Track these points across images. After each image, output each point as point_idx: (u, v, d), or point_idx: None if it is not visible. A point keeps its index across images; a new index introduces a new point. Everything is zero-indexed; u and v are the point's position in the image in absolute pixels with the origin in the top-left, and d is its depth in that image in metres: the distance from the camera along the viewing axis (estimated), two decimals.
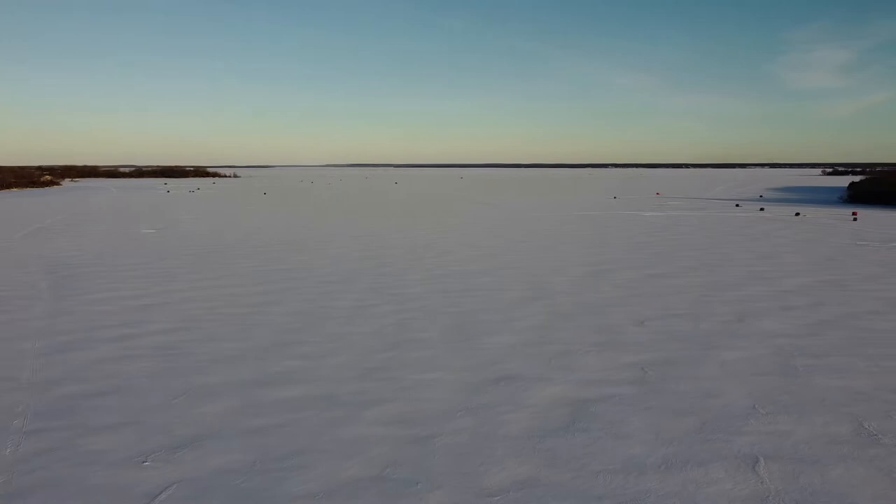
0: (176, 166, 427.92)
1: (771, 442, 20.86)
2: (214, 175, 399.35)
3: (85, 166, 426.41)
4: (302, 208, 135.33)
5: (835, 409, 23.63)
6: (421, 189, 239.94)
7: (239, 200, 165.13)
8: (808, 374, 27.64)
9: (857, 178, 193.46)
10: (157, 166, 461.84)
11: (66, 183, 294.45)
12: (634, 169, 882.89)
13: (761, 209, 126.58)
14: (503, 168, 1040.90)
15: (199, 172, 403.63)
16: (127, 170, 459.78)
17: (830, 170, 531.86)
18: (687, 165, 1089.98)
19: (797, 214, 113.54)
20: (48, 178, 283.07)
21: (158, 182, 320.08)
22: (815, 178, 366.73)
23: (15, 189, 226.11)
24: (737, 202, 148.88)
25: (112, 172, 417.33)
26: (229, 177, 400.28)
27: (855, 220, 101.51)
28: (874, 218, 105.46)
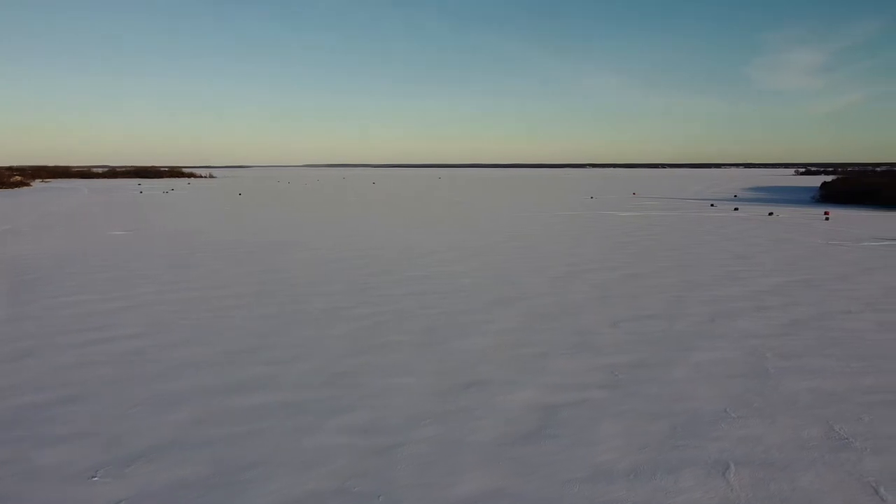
0: (150, 167, 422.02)
1: (742, 447, 20.56)
2: (190, 175, 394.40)
3: (57, 166, 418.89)
4: (277, 209, 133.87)
5: (806, 412, 23.44)
6: (399, 189, 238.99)
7: (213, 201, 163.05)
8: (780, 375, 27.47)
9: (829, 178, 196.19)
10: (132, 166, 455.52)
11: (37, 184, 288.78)
12: (612, 169, 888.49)
13: (735, 209, 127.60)
14: (481, 168, 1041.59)
15: (174, 173, 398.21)
16: (100, 170, 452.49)
17: (803, 170, 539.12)
18: (664, 165, 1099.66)
19: (771, 214, 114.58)
20: (18, 178, 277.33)
21: (132, 182, 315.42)
22: (789, 178, 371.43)
23: None
24: (712, 202, 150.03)
25: (85, 173, 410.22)
26: (205, 177, 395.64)
27: (827, 219, 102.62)
28: (846, 217, 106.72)
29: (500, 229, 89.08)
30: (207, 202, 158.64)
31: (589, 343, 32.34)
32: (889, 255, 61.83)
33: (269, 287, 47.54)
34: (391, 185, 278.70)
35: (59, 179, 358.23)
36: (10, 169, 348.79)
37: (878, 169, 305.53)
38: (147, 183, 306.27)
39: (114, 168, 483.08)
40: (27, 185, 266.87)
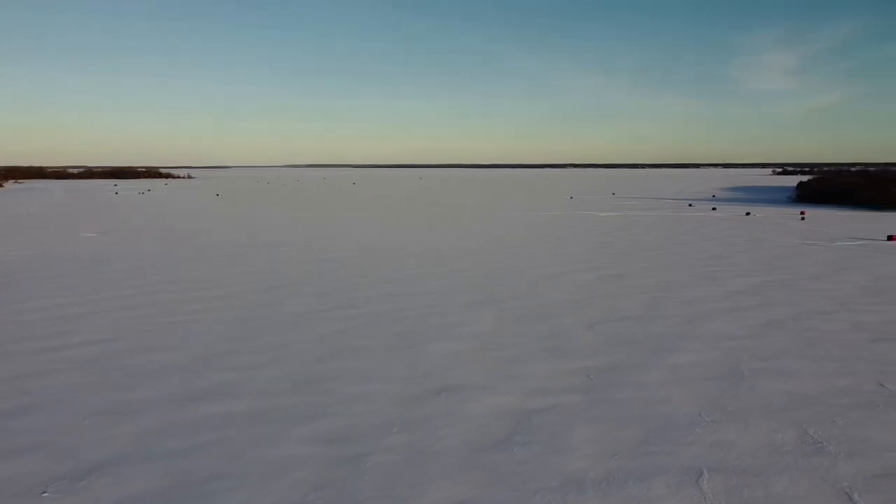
0: (127, 167, 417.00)
1: (715, 453, 20.19)
2: (167, 176, 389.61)
3: (31, 167, 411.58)
4: (254, 210, 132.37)
5: (780, 416, 23.16)
6: (379, 190, 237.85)
7: (189, 202, 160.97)
8: (754, 377, 27.22)
9: (805, 178, 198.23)
10: (108, 167, 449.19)
11: (10, 185, 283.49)
12: (593, 169, 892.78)
13: (713, 209, 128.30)
14: (463, 168, 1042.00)
15: (152, 173, 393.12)
16: (76, 171, 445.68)
17: (780, 170, 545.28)
18: (644, 165, 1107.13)
19: (748, 214, 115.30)
20: None
21: (108, 183, 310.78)
22: (766, 178, 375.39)
23: None
24: (690, 202, 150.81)
25: (60, 173, 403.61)
26: (183, 178, 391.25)
27: (803, 219, 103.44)
28: (821, 217, 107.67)
29: (478, 231, 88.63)
30: (183, 203, 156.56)
31: (564, 346, 31.90)
32: (862, 255, 62.23)
33: (242, 289, 46.63)
34: (372, 186, 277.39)
35: (34, 180, 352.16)
36: None
37: (853, 169, 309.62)
38: (123, 184, 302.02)
39: (90, 169, 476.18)
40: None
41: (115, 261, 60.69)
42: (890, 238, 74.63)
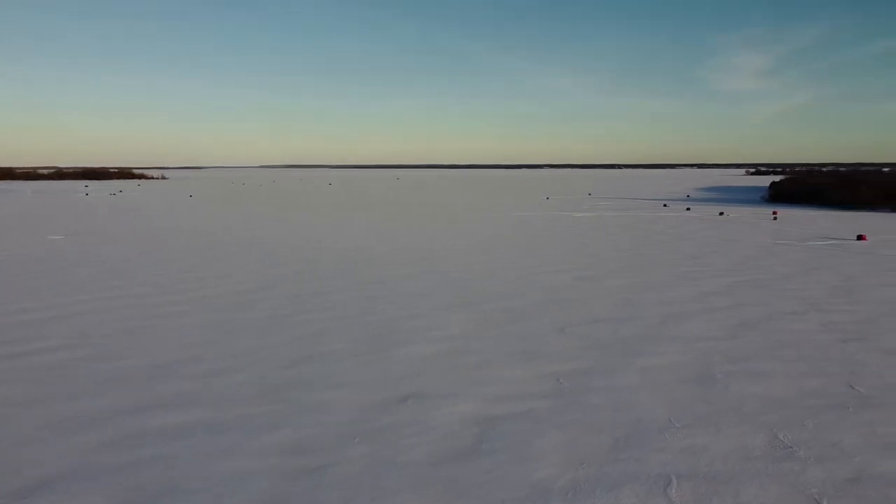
0: (99, 168, 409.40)
1: (685, 459, 19.81)
2: (140, 177, 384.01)
3: None
4: (228, 211, 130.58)
5: (751, 419, 22.88)
6: (355, 190, 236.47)
7: (162, 203, 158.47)
8: (726, 380, 26.96)
9: (777, 179, 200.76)
10: (80, 168, 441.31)
11: None
12: (569, 170, 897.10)
13: (688, 209, 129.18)
14: (440, 169, 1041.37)
15: (124, 174, 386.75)
16: (46, 171, 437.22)
17: (753, 170, 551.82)
18: (620, 166, 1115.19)
19: (721, 214, 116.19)
20: None
21: (80, 184, 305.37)
22: (739, 178, 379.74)
23: None
24: (665, 202, 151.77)
25: (30, 174, 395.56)
26: (157, 178, 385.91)
27: (775, 219, 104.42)
28: (793, 217, 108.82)
29: (452, 232, 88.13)
30: (155, 205, 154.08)
31: (535, 350, 31.43)
32: (833, 255, 62.73)
33: (211, 293, 45.58)
34: (348, 187, 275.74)
35: (2, 181, 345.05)
36: None
37: (824, 169, 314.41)
38: (95, 184, 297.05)
39: (61, 169, 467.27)
40: None
41: (80, 264, 59.17)
42: (859, 238, 75.45)
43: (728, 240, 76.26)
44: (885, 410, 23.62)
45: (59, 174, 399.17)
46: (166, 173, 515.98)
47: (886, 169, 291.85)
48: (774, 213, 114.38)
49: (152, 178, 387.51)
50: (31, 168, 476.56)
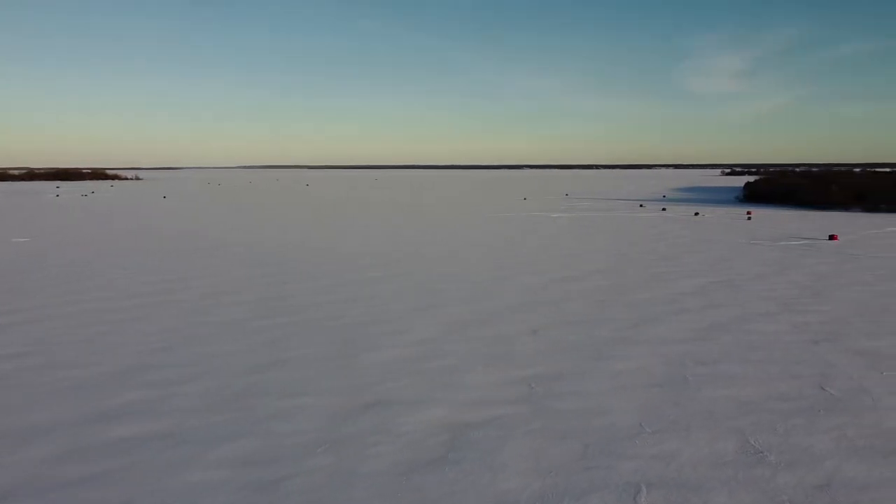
0: (72, 168, 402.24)
1: (655, 466, 19.38)
2: (114, 177, 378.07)
3: None
4: (200, 212, 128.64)
5: (722, 424, 22.55)
6: (331, 191, 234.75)
7: (133, 205, 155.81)
8: (697, 384, 26.65)
9: (752, 179, 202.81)
10: (52, 168, 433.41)
11: None
12: (547, 170, 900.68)
13: (663, 209, 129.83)
14: (418, 170, 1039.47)
15: (98, 175, 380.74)
16: (17, 172, 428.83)
17: (729, 170, 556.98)
18: (597, 166, 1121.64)
19: (697, 214, 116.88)
20: None
21: (51, 185, 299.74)
22: (715, 179, 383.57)
23: None
24: (641, 202, 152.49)
25: (1, 174, 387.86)
26: (130, 179, 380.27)
27: (749, 219, 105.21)
28: (767, 217, 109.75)
29: (426, 232, 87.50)
30: (127, 206, 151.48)
31: (506, 353, 30.92)
32: (805, 255, 63.12)
33: (174, 297, 44.47)
34: (324, 187, 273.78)
35: None
36: None
37: (797, 170, 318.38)
38: (67, 185, 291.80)
39: (32, 170, 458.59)
40: None
41: (44, 268, 57.59)
42: (831, 237, 76.12)
43: (702, 240, 76.52)
44: (855, 413, 23.44)
45: (31, 175, 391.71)
46: (141, 174, 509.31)
47: (857, 170, 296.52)
48: (748, 213, 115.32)
49: (126, 178, 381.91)
50: (2, 169, 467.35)
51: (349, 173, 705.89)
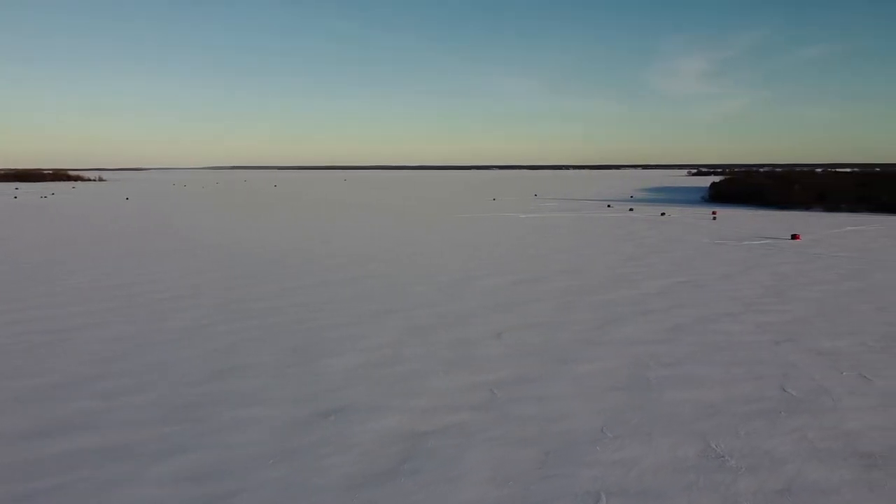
0: (33, 169, 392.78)
1: (615, 473, 18.99)
2: (76, 178, 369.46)
3: None
4: (163, 214, 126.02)
5: (684, 427, 22.27)
6: (300, 192, 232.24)
7: (94, 206, 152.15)
8: (660, 386, 26.40)
9: (717, 179, 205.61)
10: (11, 169, 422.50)
11: None
12: (517, 171, 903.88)
13: (631, 209, 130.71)
14: (387, 170, 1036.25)
15: (59, 176, 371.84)
16: None
17: (695, 171, 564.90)
18: (567, 167, 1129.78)
19: (663, 214, 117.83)
20: None
21: (9, 187, 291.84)
22: (682, 179, 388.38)
23: None
24: (609, 203, 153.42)
25: None
26: (94, 180, 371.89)
27: (714, 219, 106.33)
28: (731, 216, 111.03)
29: (392, 234, 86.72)
30: (86, 208, 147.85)
31: (469, 357, 30.38)
32: (768, 255, 63.77)
33: (131, 301, 43.09)
34: (293, 188, 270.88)
35: None
36: None
37: (762, 170, 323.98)
38: (26, 187, 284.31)
39: None
40: None
41: None
42: (793, 237, 77.15)
43: (668, 240, 76.97)
44: (816, 414, 23.37)
45: None
46: (106, 175, 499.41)
47: (819, 170, 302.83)
48: (714, 213, 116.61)
49: (89, 179, 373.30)
50: None
51: (319, 174, 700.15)
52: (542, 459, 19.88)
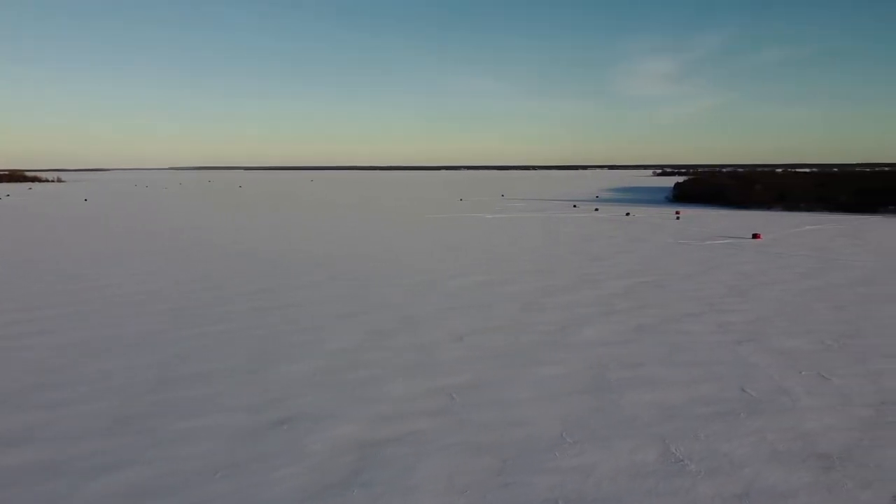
0: None
1: (574, 479, 18.59)
2: (33, 179, 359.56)
3: None
4: (123, 216, 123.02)
5: (644, 431, 22.00)
6: (266, 192, 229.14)
7: (48, 209, 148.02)
8: (621, 389, 26.15)
9: (681, 179, 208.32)
10: None
11: None
12: (486, 171, 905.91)
13: (596, 209, 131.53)
14: (354, 171, 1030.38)
15: (15, 177, 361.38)
16: None
17: (660, 171, 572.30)
18: (535, 167, 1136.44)
19: (628, 214, 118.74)
20: None
21: None
22: (648, 179, 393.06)
23: None
24: (575, 203, 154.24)
25: None
26: (52, 181, 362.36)
27: (678, 218, 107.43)
28: (695, 216, 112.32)
29: (356, 235, 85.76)
30: (42, 210, 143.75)
31: (429, 362, 29.81)
32: (730, 254, 64.41)
33: (84, 308, 41.59)
34: (258, 189, 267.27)
35: None
36: None
37: (725, 170, 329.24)
38: None
39: None
40: None
41: None
42: (755, 236, 78.17)
43: (632, 240, 77.38)
44: (774, 415, 23.30)
45: None
46: (66, 176, 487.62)
47: (779, 170, 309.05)
48: (677, 212, 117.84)
49: (47, 181, 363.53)
50: None
51: (286, 174, 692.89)
52: (500, 467, 19.40)
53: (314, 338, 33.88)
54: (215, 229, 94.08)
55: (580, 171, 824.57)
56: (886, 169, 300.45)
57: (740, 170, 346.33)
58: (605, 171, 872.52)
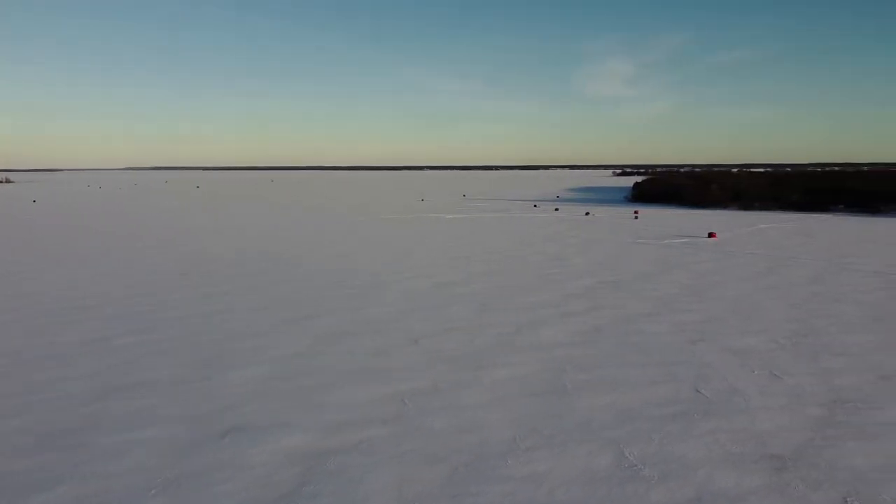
0: None
1: (526, 489, 18.09)
2: None
3: None
4: (72, 219, 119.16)
5: (598, 435, 21.64)
6: (223, 193, 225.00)
7: None
8: (576, 391, 25.80)
9: (640, 179, 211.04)
10: None
11: None
12: (448, 171, 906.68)
13: (556, 209, 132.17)
14: (314, 171, 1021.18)
15: None
16: None
17: (620, 171, 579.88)
18: (497, 167, 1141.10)
19: (588, 214, 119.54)
20: None
21: None
22: (607, 179, 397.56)
23: None
24: (535, 203, 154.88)
25: None
26: (0, 182, 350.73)
27: (636, 218, 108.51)
28: (652, 216, 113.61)
29: (312, 236, 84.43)
30: None
31: (382, 366, 29.07)
32: (686, 253, 65.03)
33: (19, 315, 39.75)
34: (215, 189, 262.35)
35: None
36: None
37: (682, 170, 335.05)
38: None
39: None
40: None
41: None
42: (710, 235, 79.21)
43: (591, 240, 77.68)
44: (727, 416, 23.19)
45: None
46: (15, 176, 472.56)
47: (735, 170, 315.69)
48: (636, 212, 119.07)
49: None
50: None
51: (245, 174, 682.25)
52: (450, 476, 18.80)
53: (264, 343, 32.84)
54: (170, 231, 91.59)
55: (542, 172, 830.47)
56: (836, 168, 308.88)
57: (697, 170, 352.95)
58: (567, 171, 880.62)
